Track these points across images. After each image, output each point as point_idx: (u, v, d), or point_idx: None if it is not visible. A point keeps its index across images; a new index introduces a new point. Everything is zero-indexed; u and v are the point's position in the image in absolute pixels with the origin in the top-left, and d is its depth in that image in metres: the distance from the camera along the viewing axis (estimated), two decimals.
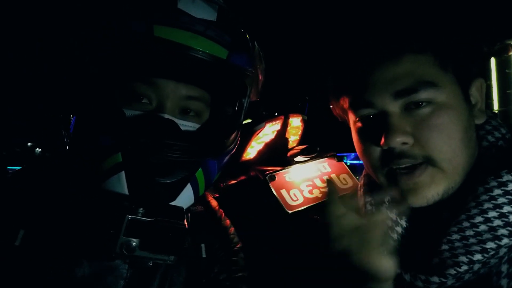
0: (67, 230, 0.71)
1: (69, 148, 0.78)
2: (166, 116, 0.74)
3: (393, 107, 0.70)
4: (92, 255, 0.70)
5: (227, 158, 0.86)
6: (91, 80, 0.75)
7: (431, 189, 0.69)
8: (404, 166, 0.70)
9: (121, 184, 0.69)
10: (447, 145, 0.68)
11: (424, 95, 0.68)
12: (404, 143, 0.69)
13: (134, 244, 0.62)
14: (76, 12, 0.78)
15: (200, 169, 0.76)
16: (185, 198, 0.75)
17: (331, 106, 0.89)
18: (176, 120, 0.75)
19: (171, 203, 0.73)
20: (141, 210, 0.65)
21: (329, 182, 0.76)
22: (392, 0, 0.80)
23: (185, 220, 0.68)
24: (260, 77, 0.91)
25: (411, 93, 0.68)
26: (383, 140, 0.69)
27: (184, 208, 0.75)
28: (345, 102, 0.80)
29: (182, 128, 0.76)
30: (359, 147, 0.80)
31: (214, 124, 0.84)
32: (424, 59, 0.70)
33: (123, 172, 0.69)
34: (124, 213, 0.63)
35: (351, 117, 0.80)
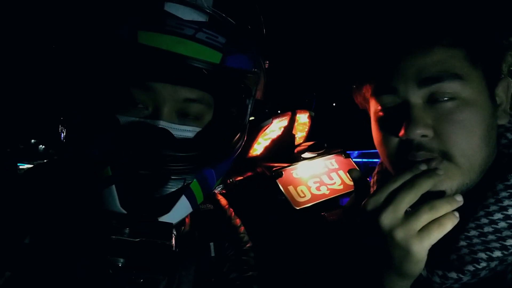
0: (65, 235, 0.71)
1: (66, 155, 0.77)
2: (161, 123, 0.70)
3: (416, 97, 0.68)
4: (84, 267, 0.69)
5: (228, 164, 0.81)
6: (82, 86, 0.72)
7: (445, 183, 0.67)
8: (420, 159, 0.69)
9: (112, 198, 0.66)
10: (467, 141, 0.67)
11: (448, 86, 0.66)
12: (424, 136, 0.68)
13: (120, 264, 0.62)
14: (62, 18, 0.74)
15: (194, 180, 0.72)
16: (179, 210, 0.71)
17: (353, 93, 0.87)
18: (173, 125, 0.71)
19: (165, 216, 0.70)
20: (126, 230, 0.63)
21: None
22: None
23: (173, 239, 0.66)
24: (263, 76, 0.85)
25: (436, 82, 0.66)
26: (402, 130, 0.68)
27: (177, 221, 0.73)
28: (368, 90, 0.79)
29: (180, 133, 0.72)
30: (377, 137, 0.78)
31: (215, 127, 0.80)
32: (455, 53, 0.68)
33: (113, 186, 0.66)
34: (109, 234, 0.62)
35: (373, 105, 0.78)
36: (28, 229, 0.71)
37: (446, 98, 0.67)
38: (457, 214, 0.60)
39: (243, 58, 0.74)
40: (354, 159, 1.66)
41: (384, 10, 0.79)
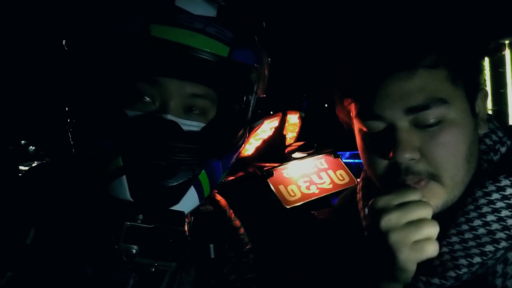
0: (72, 233, 0.71)
1: (74, 150, 0.77)
2: (169, 117, 0.71)
3: (403, 122, 0.69)
4: (94, 260, 0.70)
5: (233, 157, 0.83)
6: (92, 80, 0.74)
7: (431, 202, 0.68)
8: (409, 182, 0.70)
9: (123, 188, 0.68)
10: (451, 162, 0.68)
11: (435, 112, 0.67)
12: (412, 159, 0.68)
13: (134, 251, 0.62)
14: (73, 12, 0.76)
15: (203, 171, 0.74)
16: (188, 201, 0.73)
17: (336, 110, 0.87)
18: (180, 120, 0.73)
19: (174, 207, 0.71)
20: (140, 216, 0.64)
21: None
22: (406, 14, 0.77)
23: (185, 226, 0.66)
24: (266, 73, 0.86)
25: (423, 109, 0.67)
26: (391, 154, 0.69)
27: (188, 211, 0.74)
28: (352, 110, 0.79)
29: (186, 128, 0.73)
30: (365, 157, 0.78)
31: (220, 123, 0.81)
32: (436, 75, 0.68)
33: (124, 176, 0.67)
34: (123, 220, 0.63)
35: (357, 125, 0.78)
36: (31, 228, 0.71)
37: (432, 122, 0.68)
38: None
39: (248, 53, 0.77)
40: (346, 160, 1.69)
41: (366, 33, 0.78)
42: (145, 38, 0.66)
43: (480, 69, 0.75)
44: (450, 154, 0.68)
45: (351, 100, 0.78)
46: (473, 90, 0.73)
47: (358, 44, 0.77)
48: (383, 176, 0.74)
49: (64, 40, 0.75)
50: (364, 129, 0.75)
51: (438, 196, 0.70)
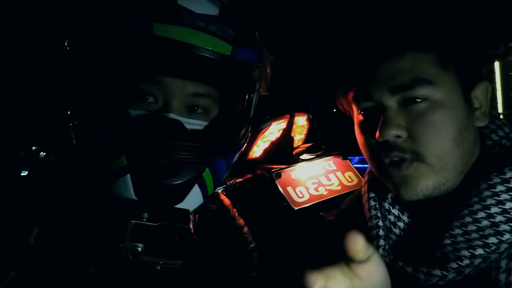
0: (76, 232, 0.71)
1: (77, 150, 0.78)
2: (172, 115, 0.72)
3: (390, 101, 0.72)
4: (99, 259, 0.70)
5: (236, 156, 0.84)
6: (95, 80, 0.74)
7: (420, 182, 0.70)
8: (394, 159, 0.72)
9: (127, 187, 0.68)
10: (438, 142, 0.69)
11: (419, 92, 0.70)
12: (398, 137, 0.70)
13: (139, 249, 0.62)
14: (76, 12, 0.77)
15: (207, 169, 0.74)
16: (192, 200, 0.74)
17: (337, 100, 0.91)
18: (183, 119, 0.73)
19: (179, 205, 0.71)
20: (145, 215, 0.65)
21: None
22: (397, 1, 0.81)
23: (191, 223, 0.67)
24: (268, 71, 0.87)
25: (407, 89, 0.70)
26: (378, 132, 0.72)
27: (192, 209, 0.74)
28: (349, 96, 0.83)
29: (189, 127, 0.74)
30: (359, 140, 0.82)
31: (222, 121, 0.81)
32: (425, 58, 0.71)
33: (128, 175, 0.68)
34: (128, 218, 0.64)
35: (354, 110, 0.82)
36: (34, 228, 0.71)
37: (419, 100, 0.70)
38: None
39: (250, 51, 0.77)
40: (355, 165, 1.68)
41: (359, 19, 0.83)
42: (148, 37, 0.66)
43: (481, 61, 0.77)
44: (436, 133, 0.69)
45: (349, 88, 0.82)
46: (470, 79, 0.74)
47: (352, 32, 0.83)
48: (373, 156, 0.77)
49: (66, 41, 0.76)
50: (359, 112, 0.79)
51: (426, 176, 0.70)
